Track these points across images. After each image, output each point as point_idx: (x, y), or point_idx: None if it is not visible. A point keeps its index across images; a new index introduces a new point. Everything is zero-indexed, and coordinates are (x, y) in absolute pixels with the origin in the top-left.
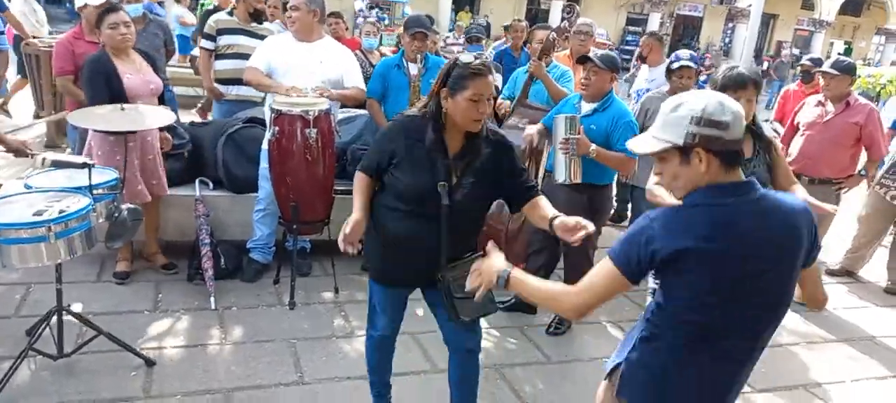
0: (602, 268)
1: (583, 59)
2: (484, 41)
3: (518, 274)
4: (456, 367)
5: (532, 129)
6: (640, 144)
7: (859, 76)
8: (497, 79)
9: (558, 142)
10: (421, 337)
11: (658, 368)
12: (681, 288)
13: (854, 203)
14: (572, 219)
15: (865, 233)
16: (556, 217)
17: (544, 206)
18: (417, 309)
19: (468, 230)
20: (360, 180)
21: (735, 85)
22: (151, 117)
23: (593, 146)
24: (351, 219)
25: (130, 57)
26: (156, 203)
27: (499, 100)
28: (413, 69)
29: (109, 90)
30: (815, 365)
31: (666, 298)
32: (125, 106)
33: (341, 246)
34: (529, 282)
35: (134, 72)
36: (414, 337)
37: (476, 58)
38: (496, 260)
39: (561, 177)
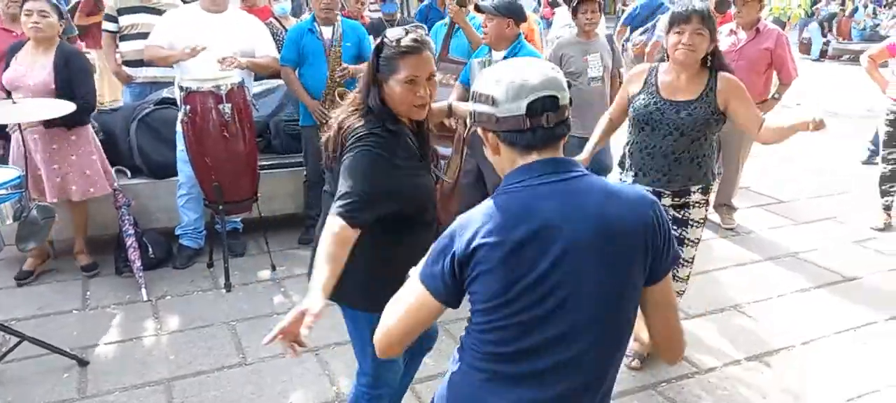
0: (409, 292)
1: (478, 8)
2: None
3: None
4: (411, 362)
5: (462, 108)
6: (462, 108)
7: (771, 4)
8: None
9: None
10: None
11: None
12: (475, 298)
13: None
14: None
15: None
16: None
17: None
18: None
19: None
20: (341, 239)
21: (677, 20)
22: (36, 110)
23: None
24: (309, 310)
25: (45, 49)
26: (80, 204)
27: None
28: (327, 33)
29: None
30: (742, 286)
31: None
32: (17, 99)
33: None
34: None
35: (26, 64)
36: None
37: (407, 32)
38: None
39: None
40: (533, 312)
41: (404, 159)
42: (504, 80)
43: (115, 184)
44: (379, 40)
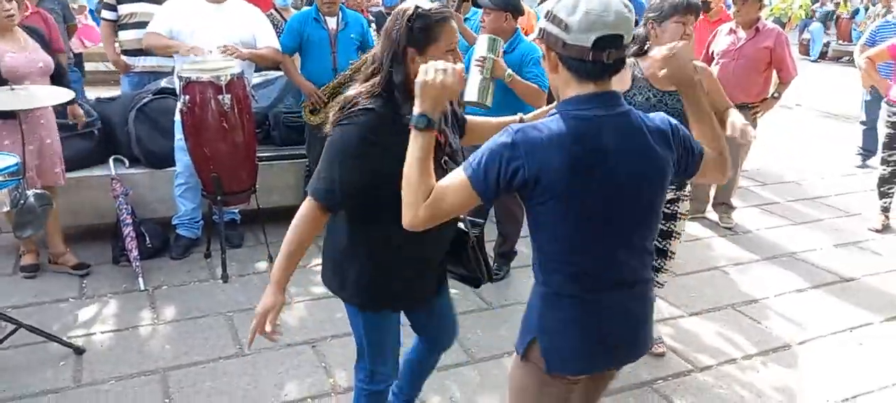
0: (453, 182)
1: (476, 3)
2: None
3: (429, 140)
4: (426, 362)
5: None
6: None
7: (772, 2)
8: None
9: (475, 58)
10: None
11: (568, 316)
12: (548, 215)
13: (771, 125)
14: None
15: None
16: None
17: (482, 121)
18: None
19: None
20: (309, 220)
21: (682, 10)
22: (43, 96)
23: (509, 70)
24: (265, 308)
25: (14, 35)
26: (54, 194)
27: None
28: (331, 23)
29: None
30: (739, 285)
31: (538, 231)
32: (14, 86)
33: (268, 336)
34: (424, 160)
35: (18, 50)
36: None
37: (432, 1)
38: (437, 96)
39: (472, 95)
40: (598, 224)
41: (398, 142)
42: (580, 8)
43: (113, 173)
44: (402, 13)
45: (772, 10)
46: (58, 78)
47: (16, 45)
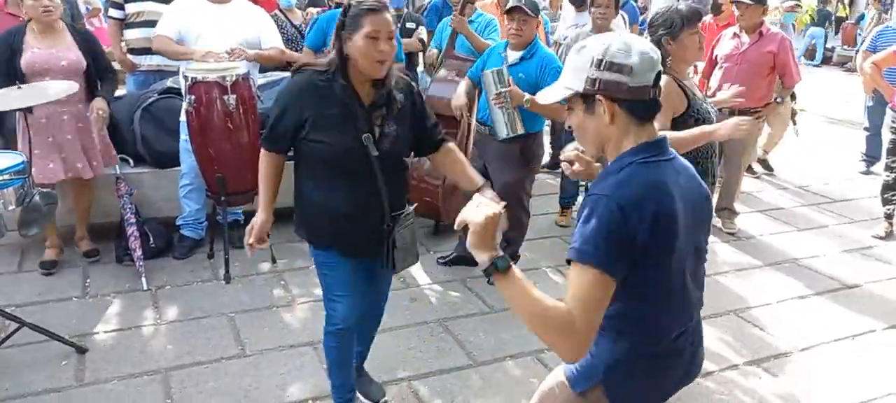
0: (587, 282)
1: (512, 10)
2: None
3: (517, 272)
4: (367, 328)
5: (460, 99)
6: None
7: (778, 7)
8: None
9: (491, 98)
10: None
11: (647, 372)
12: (648, 272)
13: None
14: (491, 195)
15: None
16: (484, 186)
17: (464, 162)
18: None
19: (401, 181)
20: (268, 164)
21: (696, 19)
22: (51, 90)
23: (527, 96)
24: (256, 223)
25: (55, 30)
26: (84, 186)
27: (429, 51)
28: None
29: (8, 69)
30: (743, 291)
31: (638, 290)
32: (22, 85)
33: (248, 251)
34: (528, 290)
35: (46, 47)
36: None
37: None
38: (485, 236)
39: (502, 132)
40: (675, 279)
41: (333, 112)
42: (635, 51)
43: (118, 172)
44: (346, 3)
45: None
46: (99, 78)
47: (46, 42)
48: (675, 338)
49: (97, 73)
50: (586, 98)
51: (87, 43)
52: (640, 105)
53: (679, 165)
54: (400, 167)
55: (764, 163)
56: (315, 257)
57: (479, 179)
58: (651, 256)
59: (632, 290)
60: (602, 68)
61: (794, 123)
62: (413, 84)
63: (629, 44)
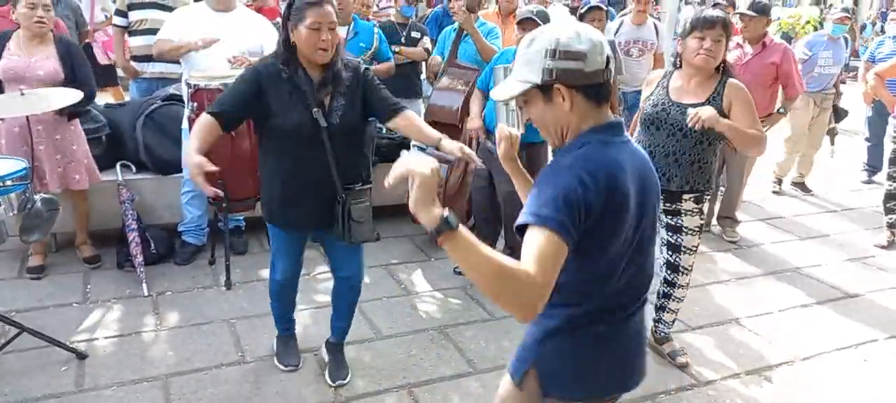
0: (545, 244)
1: (524, 21)
2: (420, 1)
3: (465, 232)
4: (339, 294)
5: (475, 122)
6: (502, 91)
7: (779, 18)
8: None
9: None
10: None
11: (583, 348)
12: (595, 244)
13: (779, 136)
14: (456, 144)
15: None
16: (442, 138)
17: (421, 124)
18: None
19: (354, 156)
20: (202, 124)
21: (701, 25)
22: (53, 98)
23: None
24: (190, 163)
25: (43, 42)
26: (78, 195)
27: (431, 58)
28: (342, 32)
29: None
30: (743, 299)
31: (580, 262)
32: (25, 90)
33: (198, 182)
34: (480, 247)
35: (26, 55)
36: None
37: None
38: (431, 190)
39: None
40: (617, 260)
41: (286, 90)
42: (585, 37)
43: (119, 179)
44: None
45: (780, 25)
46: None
47: (29, 50)
48: (613, 320)
49: (75, 85)
50: (544, 89)
51: (69, 53)
52: (595, 88)
53: (632, 148)
54: (353, 143)
55: (801, 185)
56: (269, 229)
57: (435, 135)
58: (602, 228)
59: (576, 263)
60: (556, 57)
61: (832, 143)
62: (361, 65)
63: (578, 31)
